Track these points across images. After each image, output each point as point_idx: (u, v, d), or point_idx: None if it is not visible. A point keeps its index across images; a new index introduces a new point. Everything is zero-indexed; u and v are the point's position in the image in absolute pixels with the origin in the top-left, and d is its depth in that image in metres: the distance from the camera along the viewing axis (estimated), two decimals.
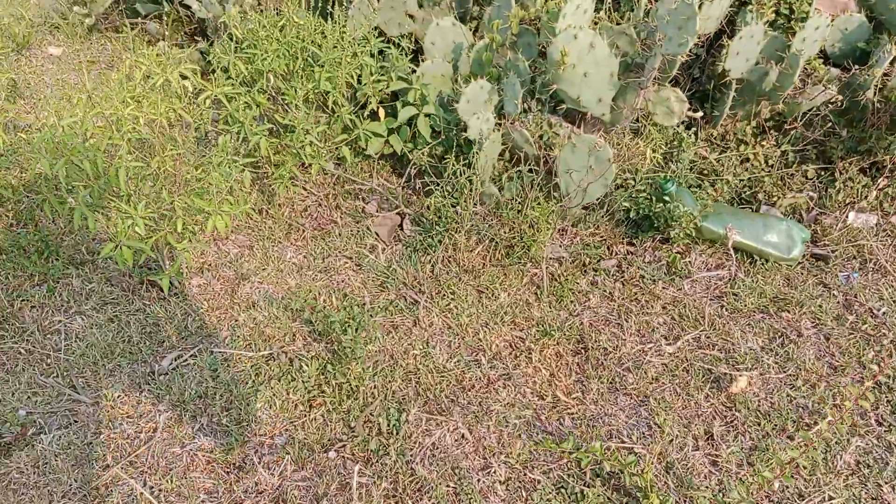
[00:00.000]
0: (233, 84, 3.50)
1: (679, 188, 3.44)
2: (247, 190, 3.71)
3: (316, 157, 3.56)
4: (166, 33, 5.39)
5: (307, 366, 2.81)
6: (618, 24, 3.48)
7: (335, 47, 3.60)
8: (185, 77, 2.96)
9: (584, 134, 3.59)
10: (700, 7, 2.90)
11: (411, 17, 4.45)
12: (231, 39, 3.54)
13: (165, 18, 5.48)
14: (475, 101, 3.63)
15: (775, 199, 3.81)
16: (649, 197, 3.41)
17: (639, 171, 3.54)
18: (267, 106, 3.60)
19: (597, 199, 3.43)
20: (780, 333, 3.04)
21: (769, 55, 3.77)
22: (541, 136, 3.56)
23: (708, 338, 3.02)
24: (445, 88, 4.05)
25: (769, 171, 3.88)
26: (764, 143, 3.91)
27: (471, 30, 4.60)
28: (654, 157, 3.38)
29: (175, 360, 2.88)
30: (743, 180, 3.84)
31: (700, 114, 3.55)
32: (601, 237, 3.56)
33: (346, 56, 3.62)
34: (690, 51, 3.28)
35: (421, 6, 4.46)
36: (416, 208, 3.81)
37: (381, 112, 3.90)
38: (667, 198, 3.37)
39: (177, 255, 3.07)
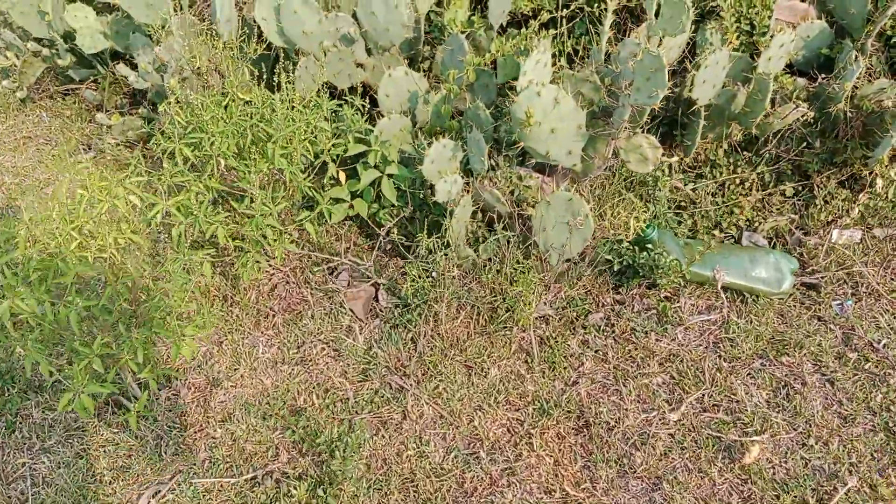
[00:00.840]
0: (181, 171, 3.24)
1: (661, 232, 3.27)
2: (209, 291, 3.46)
3: (279, 240, 3.32)
4: (104, 100, 5.07)
5: (295, 489, 2.59)
6: (578, 70, 3.28)
7: (287, 119, 3.36)
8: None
9: (557, 189, 3.39)
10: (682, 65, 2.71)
11: (361, 66, 4.22)
12: (173, 124, 3.27)
13: (101, 83, 5.16)
14: (439, 160, 3.42)
15: (756, 223, 3.67)
16: (631, 247, 3.23)
17: (619, 238, 3.36)
18: (220, 188, 3.35)
19: (577, 253, 3.25)
20: (783, 383, 2.90)
21: (735, 76, 3.61)
22: (512, 192, 3.36)
23: (711, 397, 2.87)
24: (406, 142, 3.83)
25: (747, 195, 3.73)
26: (738, 167, 3.76)
27: (423, 72, 4.38)
28: (638, 225, 3.21)
29: (153, 497, 2.65)
30: (721, 207, 3.69)
31: (675, 159, 3.38)
32: (586, 289, 3.38)
33: (300, 128, 3.37)
34: None
35: (370, 54, 4.22)
36: (390, 274, 3.60)
37: (342, 176, 3.67)
38: (649, 245, 3.21)
39: (141, 385, 2.83)
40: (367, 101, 3.96)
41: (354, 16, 4.08)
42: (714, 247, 3.34)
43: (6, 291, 2.37)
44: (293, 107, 3.45)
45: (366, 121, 3.75)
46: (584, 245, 3.15)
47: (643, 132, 3.12)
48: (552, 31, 3.68)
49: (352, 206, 3.67)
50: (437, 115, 3.75)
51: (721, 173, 3.75)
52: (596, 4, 3.77)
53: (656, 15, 3.30)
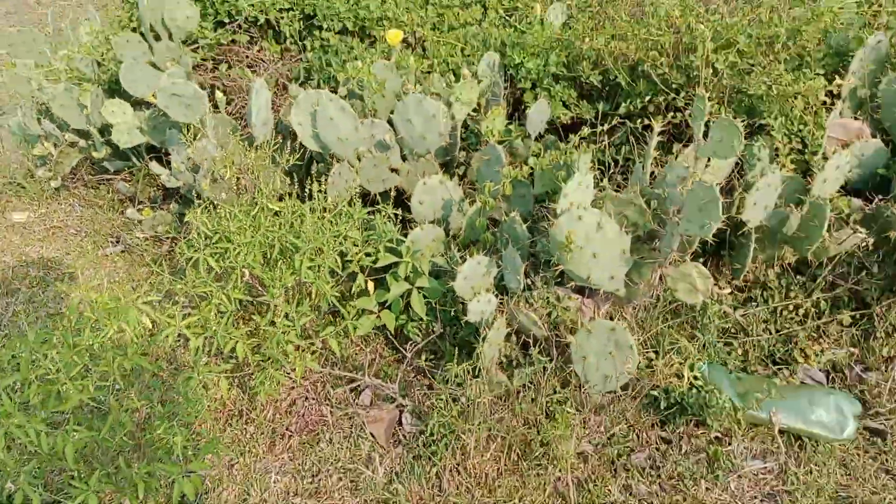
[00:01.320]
0: (204, 282, 3.09)
1: (712, 367, 3.01)
2: (224, 406, 3.25)
3: (300, 357, 3.12)
4: (137, 192, 5.02)
5: None
6: (621, 191, 3.11)
7: (317, 229, 3.21)
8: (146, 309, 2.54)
9: (598, 313, 3.17)
10: (734, 191, 2.52)
11: (395, 171, 4.10)
12: (199, 235, 3.14)
13: (136, 174, 5.13)
14: (473, 277, 3.23)
15: (812, 354, 3.39)
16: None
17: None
18: (243, 299, 3.18)
19: (620, 386, 2.99)
20: None
21: (787, 198, 3.41)
22: (549, 314, 3.14)
23: None
24: (438, 253, 3.66)
25: (801, 323, 3.47)
26: (791, 292, 3.51)
27: (458, 178, 4.26)
28: (690, 374, 2.95)
29: None
30: (773, 336, 3.42)
31: (728, 290, 3.16)
32: (628, 423, 3.10)
33: (329, 239, 3.22)
34: None
35: (405, 159, 4.11)
36: (416, 395, 3.36)
37: (370, 285, 3.49)
38: (699, 382, 2.94)
39: None
40: (400, 208, 3.82)
41: (390, 122, 3.99)
42: (772, 389, 3.06)
43: (2, 417, 2.18)
44: (324, 216, 3.31)
45: (398, 228, 3.60)
46: (628, 378, 2.90)
47: (692, 259, 2.90)
48: (592, 146, 3.53)
49: (379, 317, 3.48)
50: (471, 227, 3.59)
51: (773, 298, 3.50)
52: (641, 120, 3.63)
53: (704, 136, 3.14)
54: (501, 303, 3.18)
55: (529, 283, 3.18)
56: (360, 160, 3.96)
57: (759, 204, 3.14)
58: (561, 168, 3.49)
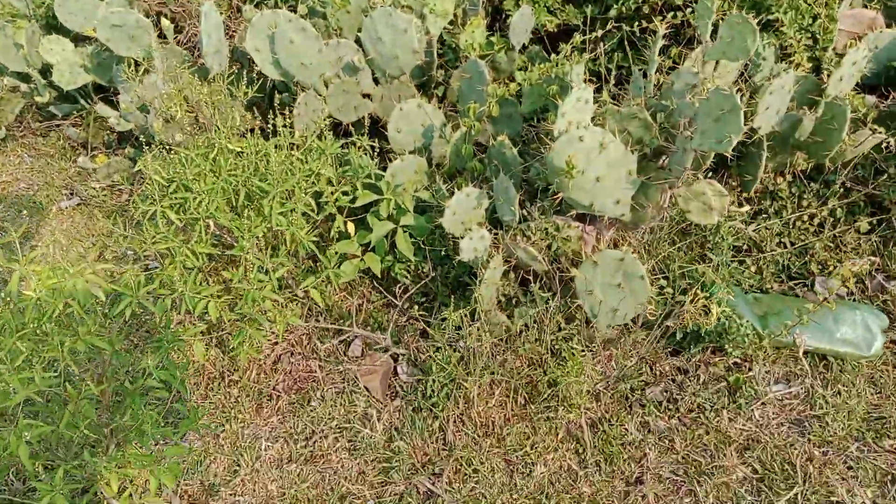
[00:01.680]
0: (165, 237, 2.76)
1: (737, 293, 2.77)
2: (203, 369, 2.97)
3: (280, 314, 2.83)
4: (89, 138, 4.60)
5: None
6: (618, 103, 2.78)
7: (285, 170, 2.87)
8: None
9: (601, 240, 2.89)
10: (742, 96, 2.19)
11: (367, 96, 3.72)
12: (155, 185, 2.78)
13: (86, 118, 4.69)
14: (462, 211, 2.92)
15: (830, 267, 3.16)
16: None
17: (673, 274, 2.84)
18: (211, 252, 2.86)
19: (630, 319, 2.74)
20: (890, 476, 2.39)
21: (800, 99, 3.10)
22: (549, 246, 2.85)
23: (806, 499, 2.36)
24: (421, 186, 3.34)
25: (818, 233, 3.22)
26: (804, 201, 3.24)
27: (437, 99, 3.88)
28: (718, 311, 2.68)
29: None
30: (788, 250, 3.17)
31: (746, 208, 2.87)
32: (639, 355, 2.88)
33: (300, 180, 2.88)
34: None
35: (377, 83, 3.72)
36: (410, 340, 3.10)
37: (351, 227, 3.18)
38: (723, 310, 2.70)
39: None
40: (376, 137, 3.47)
41: (358, 42, 3.59)
42: (789, 304, 2.83)
43: None
44: (292, 153, 2.96)
45: (376, 162, 3.26)
46: (639, 310, 2.64)
47: (705, 176, 2.60)
48: (585, 56, 3.17)
49: (362, 261, 3.18)
50: (456, 155, 3.25)
51: (785, 209, 3.23)
52: (636, 23, 3.26)
53: (711, 36, 2.79)
54: (496, 237, 2.89)
55: (525, 213, 2.88)
56: (327, 87, 3.57)
57: (771, 108, 2.82)
58: (552, 82, 3.13)
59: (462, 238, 2.74)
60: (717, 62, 2.87)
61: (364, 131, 3.87)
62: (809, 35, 3.21)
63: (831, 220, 3.20)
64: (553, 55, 4.04)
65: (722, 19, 2.70)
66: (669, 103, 2.57)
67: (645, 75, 2.90)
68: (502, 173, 2.88)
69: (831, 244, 3.19)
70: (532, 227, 2.81)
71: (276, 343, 3.13)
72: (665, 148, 2.65)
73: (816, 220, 3.22)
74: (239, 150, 2.87)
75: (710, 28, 2.78)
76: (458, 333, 2.73)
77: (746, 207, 2.82)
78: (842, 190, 3.23)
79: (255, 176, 2.85)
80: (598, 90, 3.83)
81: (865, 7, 3.56)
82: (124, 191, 4.24)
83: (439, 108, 3.80)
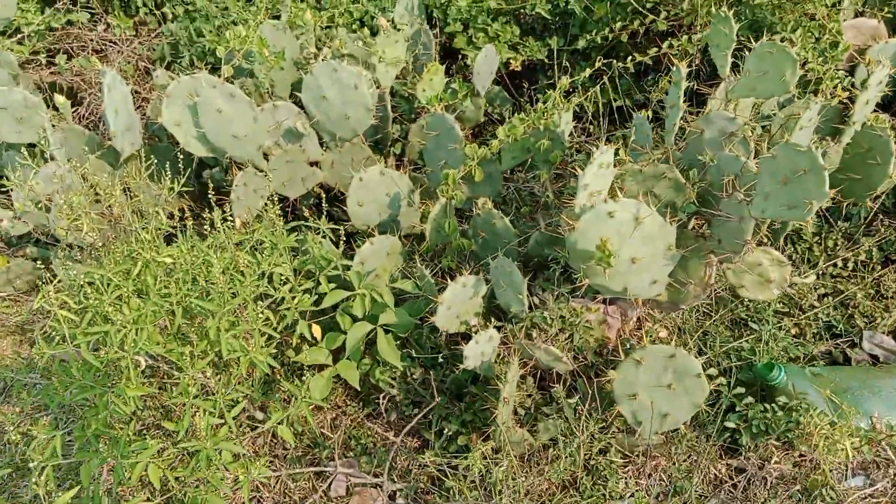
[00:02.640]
0: (81, 385, 2.09)
1: (791, 370, 2.29)
2: None
3: (243, 471, 2.18)
4: None
5: None
6: (645, 161, 2.27)
7: (230, 282, 2.24)
8: None
9: (625, 321, 2.37)
10: (822, 155, 1.71)
11: (315, 164, 3.13)
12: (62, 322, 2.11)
13: None
14: (458, 304, 2.36)
15: (877, 319, 2.73)
16: (756, 401, 2.23)
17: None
18: (145, 394, 2.20)
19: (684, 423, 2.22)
20: None
21: (822, 131, 2.67)
22: (570, 338, 2.32)
23: None
24: (397, 267, 2.76)
25: (853, 279, 2.79)
26: (830, 240, 2.81)
27: (394, 156, 3.33)
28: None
29: None
30: (828, 304, 2.73)
31: (812, 278, 2.39)
32: (685, 453, 2.36)
33: (250, 286, 2.26)
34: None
35: (326, 147, 3.14)
36: (405, 465, 2.50)
37: (317, 330, 2.57)
38: (779, 395, 2.22)
39: None
40: (329, 206, 2.89)
41: (298, 103, 3.00)
42: (852, 375, 2.37)
43: None
44: (236, 255, 2.33)
45: (339, 244, 2.67)
46: (694, 411, 2.12)
47: (759, 243, 2.11)
48: (573, 99, 2.67)
49: (335, 369, 2.57)
50: (436, 231, 2.69)
51: (811, 251, 2.80)
52: (615, 54, 2.78)
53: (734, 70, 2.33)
54: (504, 335, 2.34)
55: (533, 300, 2.34)
56: (267, 159, 2.97)
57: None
58: (540, 136, 2.62)
59: (461, 330, 2.17)
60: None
61: (312, 202, 3.28)
62: (818, 53, 2.80)
63: (865, 262, 2.78)
64: (523, 99, 3.55)
65: (747, 49, 2.25)
66: (706, 158, 2.07)
67: (653, 118, 2.42)
68: (501, 255, 2.33)
69: (872, 291, 2.76)
70: (546, 317, 2.27)
71: (237, 491, 2.48)
72: (703, 212, 2.16)
73: (850, 265, 2.79)
74: (169, 261, 2.23)
75: (729, 61, 2.32)
76: (461, 454, 2.15)
77: (812, 277, 2.35)
78: (864, 223, 2.83)
79: (193, 291, 2.21)
80: (581, 130, 3.35)
81: (859, 15, 3.19)
82: (32, 296, 3.49)
83: (400, 168, 3.25)
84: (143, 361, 2.14)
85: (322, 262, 2.52)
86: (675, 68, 2.19)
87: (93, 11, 3.89)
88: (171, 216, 3.38)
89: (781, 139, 2.34)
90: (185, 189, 3.34)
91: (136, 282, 2.19)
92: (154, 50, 3.84)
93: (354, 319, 2.50)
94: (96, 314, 2.13)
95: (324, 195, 2.87)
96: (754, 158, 1.99)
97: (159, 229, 2.41)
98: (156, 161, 3.13)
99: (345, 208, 2.85)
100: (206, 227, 2.52)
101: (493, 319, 2.41)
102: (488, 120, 3.75)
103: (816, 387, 2.30)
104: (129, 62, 3.79)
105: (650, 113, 2.84)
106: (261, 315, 2.22)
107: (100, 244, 2.46)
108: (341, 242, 2.61)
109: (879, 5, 3.09)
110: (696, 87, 2.85)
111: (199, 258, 2.27)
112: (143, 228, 2.35)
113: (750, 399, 2.21)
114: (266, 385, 2.66)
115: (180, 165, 2.79)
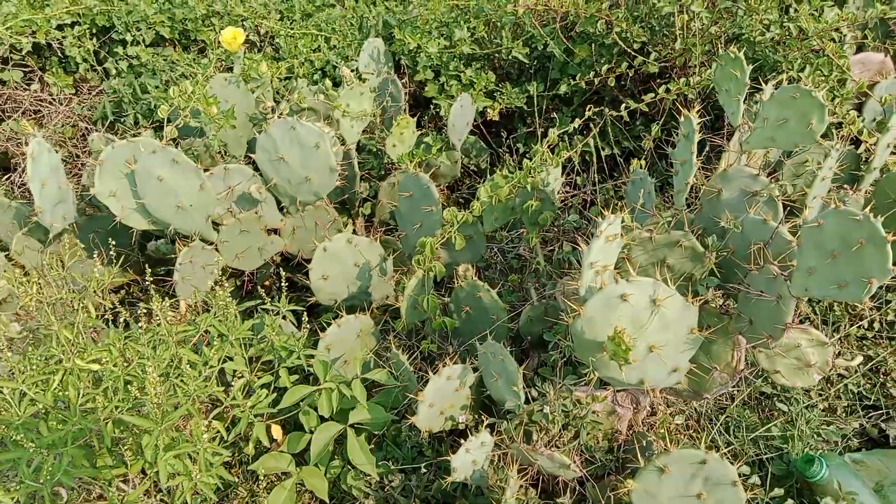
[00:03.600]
0: None
1: (832, 462, 1.95)
2: None
3: None
4: None
5: None
6: (653, 227, 1.95)
7: (169, 390, 1.86)
8: None
9: (638, 413, 2.03)
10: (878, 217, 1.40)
11: (274, 232, 2.78)
12: None
13: None
14: (442, 399, 2.01)
15: None
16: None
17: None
18: None
19: None
20: None
21: (838, 179, 2.39)
22: (576, 435, 1.96)
23: None
24: (370, 350, 2.40)
25: (879, 341, 2.49)
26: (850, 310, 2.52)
27: (363, 219, 2.99)
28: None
29: None
30: (858, 371, 2.41)
31: (859, 360, 2.07)
32: None
33: (195, 391, 1.88)
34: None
35: (285, 212, 2.79)
36: None
37: (277, 432, 2.19)
38: (822, 495, 1.88)
39: None
40: (292, 277, 2.54)
41: (255, 165, 2.66)
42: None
43: None
44: (178, 353, 1.96)
45: (301, 324, 2.31)
46: None
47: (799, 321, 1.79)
48: (562, 153, 2.36)
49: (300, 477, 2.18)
50: (413, 308, 2.33)
51: (832, 312, 2.50)
52: (624, 106, 2.48)
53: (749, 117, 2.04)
54: (498, 435, 1.98)
55: (531, 392, 1.99)
56: (218, 229, 2.61)
57: (817, 198, 2.09)
58: (528, 196, 2.30)
59: (446, 428, 1.81)
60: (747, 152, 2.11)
61: (272, 272, 2.92)
62: (830, 93, 2.53)
63: (888, 320, 2.48)
64: (502, 150, 3.24)
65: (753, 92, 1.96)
66: (727, 223, 1.75)
67: (647, 169, 2.11)
68: (491, 339, 1.98)
69: None
70: (546, 412, 1.91)
71: None
72: (727, 288, 1.83)
73: (875, 325, 2.49)
74: (95, 366, 1.84)
75: (741, 109, 2.02)
76: None
77: (859, 359, 2.03)
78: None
79: (126, 402, 1.83)
80: (567, 183, 3.05)
81: (860, 50, 2.94)
82: None
83: (370, 231, 2.91)
84: (65, 494, 1.75)
85: (282, 351, 2.15)
86: (683, 119, 1.88)
87: (27, 69, 3.53)
88: (116, 291, 3.00)
89: (793, 190, 2.05)
90: (129, 263, 2.99)
91: (57, 393, 1.81)
92: (95, 109, 3.49)
93: (323, 418, 2.13)
94: (6, 440, 1.74)
95: (282, 271, 2.51)
96: (786, 222, 1.67)
97: (88, 322, 2.03)
98: (93, 234, 2.77)
99: (303, 270, 2.49)
100: (148, 310, 2.14)
101: (483, 414, 2.05)
102: (465, 172, 3.44)
103: (863, 480, 1.96)
104: (67, 123, 3.43)
105: (643, 162, 2.55)
106: (207, 430, 1.84)
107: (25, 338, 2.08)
108: (304, 324, 2.24)
109: (882, 38, 2.85)
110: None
111: (132, 361, 1.89)
112: (65, 326, 1.96)
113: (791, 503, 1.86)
114: (219, 492, 2.26)
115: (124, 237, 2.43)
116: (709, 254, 1.79)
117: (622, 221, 1.72)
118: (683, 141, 1.88)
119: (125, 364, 1.84)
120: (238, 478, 2.32)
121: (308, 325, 2.65)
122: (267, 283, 3.11)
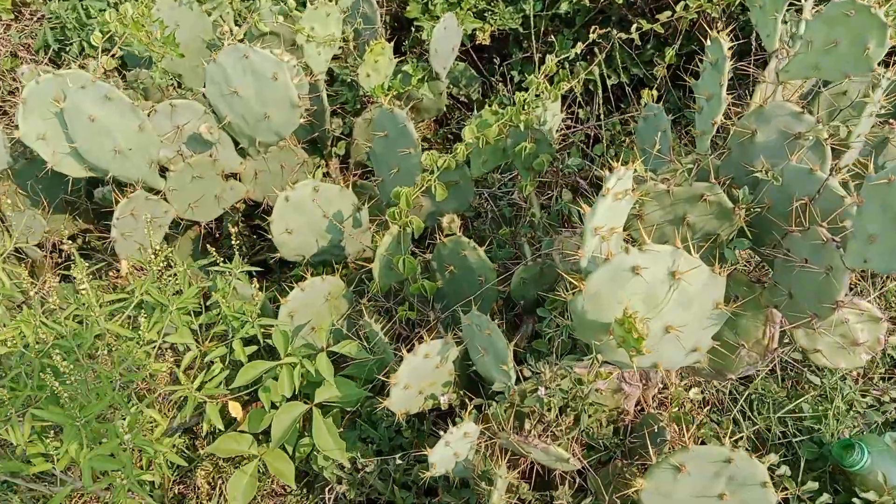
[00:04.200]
0: None
1: (874, 445, 1.68)
2: None
3: None
4: None
5: None
6: (667, 175, 1.61)
7: (102, 380, 1.57)
8: None
9: (649, 399, 1.74)
10: None
11: (232, 176, 2.44)
12: None
13: None
14: (420, 379, 1.72)
15: None
16: (833, 497, 1.62)
17: None
18: None
19: None
20: None
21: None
22: (577, 419, 1.68)
23: None
24: (340, 313, 2.11)
25: None
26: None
27: (337, 159, 2.65)
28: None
29: None
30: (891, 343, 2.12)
31: None
32: None
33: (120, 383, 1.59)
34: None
35: (244, 154, 2.44)
36: None
37: (236, 409, 1.91)
38: (863, 485, 1.61)
39: None
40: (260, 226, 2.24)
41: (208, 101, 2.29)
42: None
43: None
44: (115, 326, 1.66)
45: (263, 292, 2.01)
46: None
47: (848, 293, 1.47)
48: (561, 85, 1.99)
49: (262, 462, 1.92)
50: (388, 268, 2.02)
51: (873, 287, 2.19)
52: (636, 27, 2.10)
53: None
54: (485, 421, 1.70)
55: (523, 370, 1.70)
56: (166, 176, 2.27)
57: (861, 136, 1.74)
58: (521, 137, 1.95)
59: (426, 408, 1.54)
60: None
61: (238, 220, 2.60)
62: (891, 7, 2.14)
63: None
64: (494, 78, 2.87)
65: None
66: (762, 172, 1.42)
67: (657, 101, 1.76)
68: (476, 308, 1.68)
69: None
70: (543, 398, 1.62)
71: None
72: (761, 252, 1.51)
73: None
74: (3, 351, 1.54)
75: (777, 27, 1.65)
76: None
77: None
78: None
79: (43, 392, 1.54)
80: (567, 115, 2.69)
81: None
82: None
83: (345, 174, 2.58)
84: None
85: (234, 321, 1.85)
86: (710, 42, 1.52)
87: None
88: (73, 238, 2.68)
89: (848, 134, 1.69)
90: (78, 212, 2.69)
91: None
92: (37, 37, 3.09)
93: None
94: None
95: (237, 226, 2.20)
96: (837, 174, 1.34)
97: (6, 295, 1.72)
98: (33, 181, 2.44)
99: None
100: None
101: (468, 394, 1.77)
102: (454, 102, 3.07)
103: None
104: (4, 53, 3.04)
105: (655, 93, 2.19)
106: (140, 418, 1.56)
107: None
108: (255, 288, 1.94)
109: None
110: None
111: (49, 337, 1.59)
112: None
113: (826, 499, 1.59)
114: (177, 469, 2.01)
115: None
116: (738, 209, 1.46)
117: (634, 172, 1.38)
118: (710, 70, 1.53)
119: (38, 345, 1.54)
120: (198, 458, 2.06)
121: (275, 285, 2.35)
122: (235, 229, 2.80)
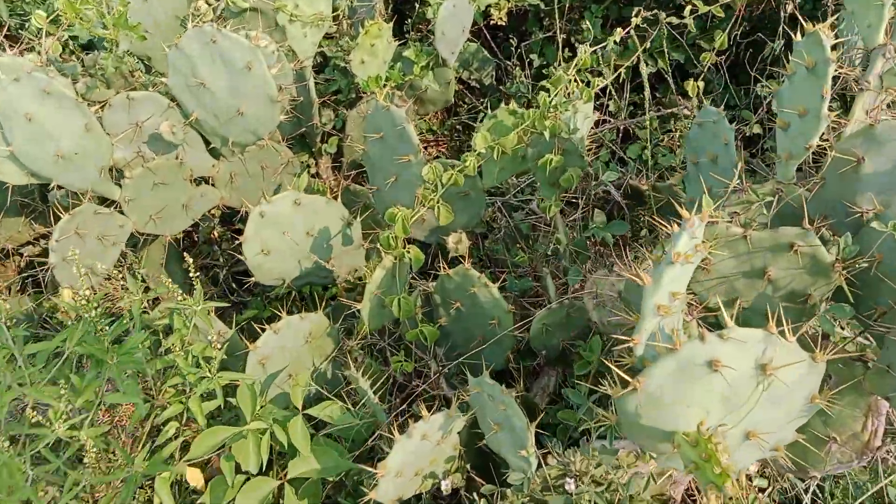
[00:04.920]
0: None
1: None
2: None
3: None
4: None
5: None
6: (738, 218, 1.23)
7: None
8: None
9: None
10: None
11: (203, 182, 2.08)
12: None
13: None
14: (416, 461, 1.37)
15: None
16: None
17: None
18: None
19: None
20: None
21: None
22: None
23: None
24: (324, 356, 1.76)
25: None
26: None
27: (329, 157, 2.28)
28: None
29: None
30: None
31: None
32: None
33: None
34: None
35: (217, 155, 2.07)
36: None
37: (196, 478, 1.57)
38: None
39: None
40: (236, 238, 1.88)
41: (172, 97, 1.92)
42: None
43: None
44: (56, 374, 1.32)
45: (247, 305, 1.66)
46: None
47: None
48: (595, 82, 1.60)
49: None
50: (380, 307, 1.65)
51: None
52: (691, 8, 1.70)
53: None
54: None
55: (545, 456, 1.34)
56: (121, 184, 1.91)
57: None
58: (546, 147, 1.57)
59: (424, 490, 1.19)
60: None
61: (213, 226, 2.25)
62: None
63: None
64: (511, 62, 2.47)
65: None
66: (877, 222, 1.04)
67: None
68: (486, 377, 1.32)
69: None
70: (573, 489, 1.27)
71: None
72: (867, 324, 1.14)
73: None
74: None
75: (886, 16, 1.26)
76: None
77: None
78: None
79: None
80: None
81: None
82: None
83: (335, 178, 2.22)
84: None
85: (189, 376, 1.50)
86: (807, 37, 1.13)
87: None
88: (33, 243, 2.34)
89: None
90: (34, 215, 2.34)
91: None
92: None
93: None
94: None
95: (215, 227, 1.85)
96: None
97: None
98: None
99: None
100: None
101: (475, 475, 1.42)
102: (464, 89, 2.68)
103: None
104: None
105: (701, 84, 1.82)
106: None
107: None
108: (214, 334, 1.58)
109: None
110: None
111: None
112: None
113: None
114: None
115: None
116: (838, 265, 1.08)
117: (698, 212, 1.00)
118: (805, 76, 1.14)
119: None
120: None
121: (258, 299, 2.01)
122: (214, 234, 2.45)
